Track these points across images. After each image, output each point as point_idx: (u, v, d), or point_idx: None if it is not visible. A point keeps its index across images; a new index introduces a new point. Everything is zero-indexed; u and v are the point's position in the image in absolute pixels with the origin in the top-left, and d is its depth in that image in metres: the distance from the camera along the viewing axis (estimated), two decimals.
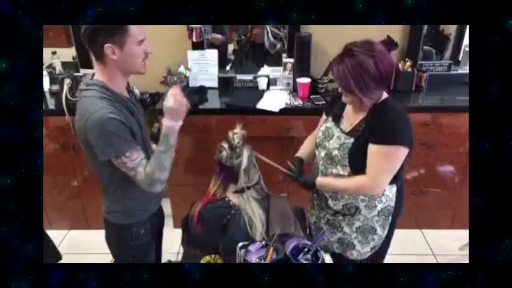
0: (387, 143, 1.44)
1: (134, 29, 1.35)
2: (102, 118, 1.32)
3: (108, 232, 1.68)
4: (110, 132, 1.33)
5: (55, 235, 2.16)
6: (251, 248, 1.50)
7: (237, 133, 1.62)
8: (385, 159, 1.46)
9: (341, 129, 1.59)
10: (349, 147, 1.52)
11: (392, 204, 1.61)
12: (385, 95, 1.52)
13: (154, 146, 1.80)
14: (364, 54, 1.38)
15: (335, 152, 1.56)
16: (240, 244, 1.50)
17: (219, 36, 2.86)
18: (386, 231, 1.66)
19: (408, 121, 1.47)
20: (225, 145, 1.62)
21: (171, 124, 1.45)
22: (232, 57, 2.96)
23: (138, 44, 1.38)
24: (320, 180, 1.62)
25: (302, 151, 1.82)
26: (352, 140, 1.53)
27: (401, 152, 1.45)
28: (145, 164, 1.43)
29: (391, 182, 1.55)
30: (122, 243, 1.64)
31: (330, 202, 1.65)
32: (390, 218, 1.63)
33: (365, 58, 1.37)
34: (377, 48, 1.40)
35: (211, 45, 2.76)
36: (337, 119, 1.62)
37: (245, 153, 1.60)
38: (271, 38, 2.81)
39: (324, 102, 2.46)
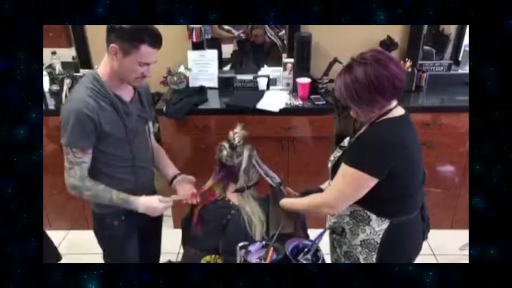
0: (348, 163, 1.35)
1: (145, 50, 1.39)
2: (73, 107, 1.40)
3: (93, 221, 1.73)
4: (72, 121, 1.39)
5: (55, 235, 2.16)
6: (251, 248, 1.49)
7: (237, 133, 1.62)
8: (343, 179, 1.38)
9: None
10: (336, 160, 1.50)
11: (378, 240, 1.46)
12: (396, 113, 1.38)
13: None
14: (357, 64, 1.30)
15: (330, 163, 1.56)
16: (240, 244, 1.50)
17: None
18: None
19: (386, 150, 1.32)
20: (226, 144, 1.62)
21: (142, 209, 1.57)
22: (229, 57, 2.97)
23: (140, 64, 1.42)
24: (285, 200, 1.59)
25: None
26: (339, 153, 1.51)
27: (361, 178, 1.33)
28: (85, 167, 1.48)
29: (382, 215, 1.44)
30: (99, 232, 1.71)
31: (328, 216, 1.65)
32: (375, 255, 1.48)
33: (357, 68, 1.29)
34: (373, 55, 1.30)
35: (212, 45, 2.76)
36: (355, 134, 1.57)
37: (245, 153, 1.60)
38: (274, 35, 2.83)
39: (324, 102, 2.46)
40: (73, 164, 1.46)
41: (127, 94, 1.55)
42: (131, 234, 1.73)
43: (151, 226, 1.84)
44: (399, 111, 1.39)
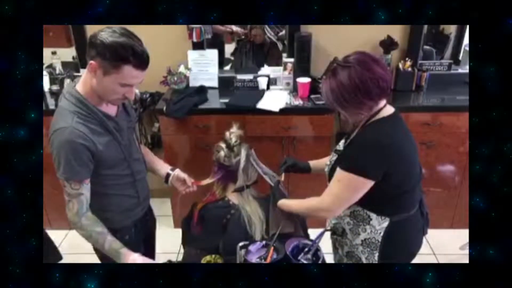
0: (343, 168, 1.36)
1: (127, 71, 1.26)
2: (64, 138, 1.30)
3: None
4: (66, 154, 1.31)
5: (55, 235, 2.16)
6: (252, 248, 1.50)
7: (234, 133, 1.63)
8: (338, 184, 1.38)
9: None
10: (332, 164, 1.50)
11: (379, 238, 1.46)
12: (386, 112, 1.38)
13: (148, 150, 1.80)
14: (341, 67, 1.30)
15: (326, 168, 1.56)
16: (240, 244, 1.50)
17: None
18: None
19: (379, 152, 1.32)
20: (223, 145, 1.62)
21: (132, 258, 1.40)
22: (229, 57, 2.97)
23: (121, 85, 1.30)
24: (283, 201, 1.58)
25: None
26: (335, 157, 1.51)
27: (356, 182, 1.34)
28: (83, 200, 1.39)
29: (382, 214, 1.44)
30: None
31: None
32: (377, 253, 1.49)
33: (341, 72, 1.29)
34: (356, 58, 1.30)
35: (214, 45, 2.76)
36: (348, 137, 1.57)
37: (243, 152, 1.61)
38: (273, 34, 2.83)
39: (324, 102, 2.46)
40: (71, 197, 1.38)
41: (112, 108, 1.44)
42: (139, 245, 1.69)
43: (150, 231, 1.84)
44: (388, 110, 1.39)
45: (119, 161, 1.47)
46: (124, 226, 1.59)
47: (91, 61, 1.26)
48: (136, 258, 1.40)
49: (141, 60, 1.27)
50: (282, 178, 1.75)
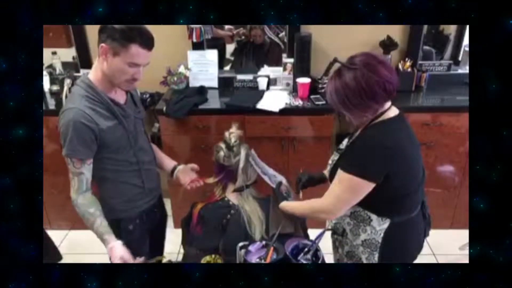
0: (344, 169, 1.35)
1: (135, 50, 1.34)
2: (70, 118, 1.37)
3: None
4: (70, 132, 1.38)
5: (55, 235, 2.16)
6: (251, 248, 1.50)
7: (233, 133, 1.63)
8: (339, 185, 1.37)
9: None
10: (333, 164, 1.50)
11: (379, 239, 1.46)
12: (390, 114, 1.37)
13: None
14: (347, 69, 1.28)
15: (328, 167, 1.55)
16: (240, 244, 1.50)
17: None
18: None
19: (381, 154, 1.31)
20: (222, 145, 1.63)
21: (107, 249, 1.46)
22: (230, 57, 2.97)
23: (129, 65, 1.37)
24: (284, 203, 1.57)
25: None
26: (337, 157, 1.51)
27: (357, 183, 1.32)
28: (83, 180, 1.45)
29: (383, 215, 1.43)
30: None
31: None
32: (377, 254, 1.48)
33: (346, 74, 1.28)
34: (362, 60, 1.28)
35: (214, 45, 2.76)
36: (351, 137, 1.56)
37: (243, 152, 1.61)
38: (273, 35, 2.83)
39: (324, 102, 2.46)
40: (73, 175, 1.46)
41: (120, 97, 1.53)
42: (144, 237, 1.72)
43: (159, 226, 1.87)
44: (393, 112, 1.38)
45: (123, 146, 1.52)
46: (128, 216, 1.62)
47: (102, 44, 1.35)
48: (115, 247, 1.43)
49: (147, 39, 1.36)
50: (301, 196, 1.74)
